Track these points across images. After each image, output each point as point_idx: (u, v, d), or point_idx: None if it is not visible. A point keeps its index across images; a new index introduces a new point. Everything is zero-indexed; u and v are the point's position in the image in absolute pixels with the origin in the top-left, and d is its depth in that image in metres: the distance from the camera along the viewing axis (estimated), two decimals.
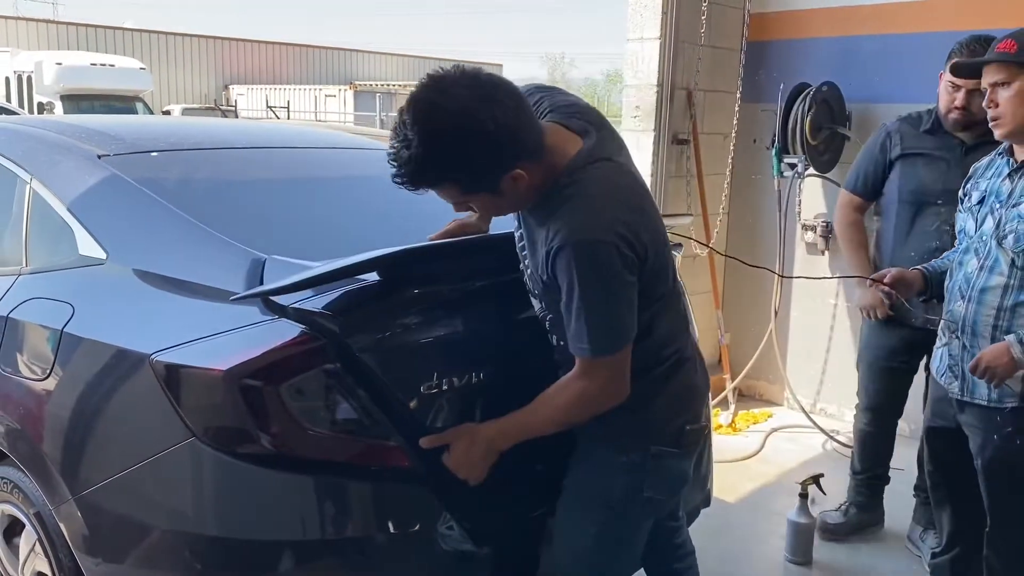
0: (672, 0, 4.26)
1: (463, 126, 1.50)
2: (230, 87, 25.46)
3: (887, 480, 3.27)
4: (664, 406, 1.77)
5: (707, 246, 4.18)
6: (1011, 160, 2.24)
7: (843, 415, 4.56)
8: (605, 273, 1.57)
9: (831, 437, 4.29)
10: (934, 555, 2.70)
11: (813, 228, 4.50)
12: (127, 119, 4.08)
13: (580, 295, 1.57)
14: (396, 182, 1.57)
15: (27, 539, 2.06)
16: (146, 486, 1.75)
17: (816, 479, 3.12)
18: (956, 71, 2.52)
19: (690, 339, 1.90)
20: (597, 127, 1.68)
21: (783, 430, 4.46)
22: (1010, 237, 2.15)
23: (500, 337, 1.96)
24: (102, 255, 2.02)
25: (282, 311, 1.73)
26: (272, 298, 1.73)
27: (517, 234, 1.78)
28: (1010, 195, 2.20)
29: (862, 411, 3.24)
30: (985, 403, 2.24)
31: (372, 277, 1.76)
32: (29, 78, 17.54)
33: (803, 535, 3.09)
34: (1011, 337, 2.11)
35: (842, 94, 4.24)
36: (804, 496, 3.09)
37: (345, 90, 22.12)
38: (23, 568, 2.10)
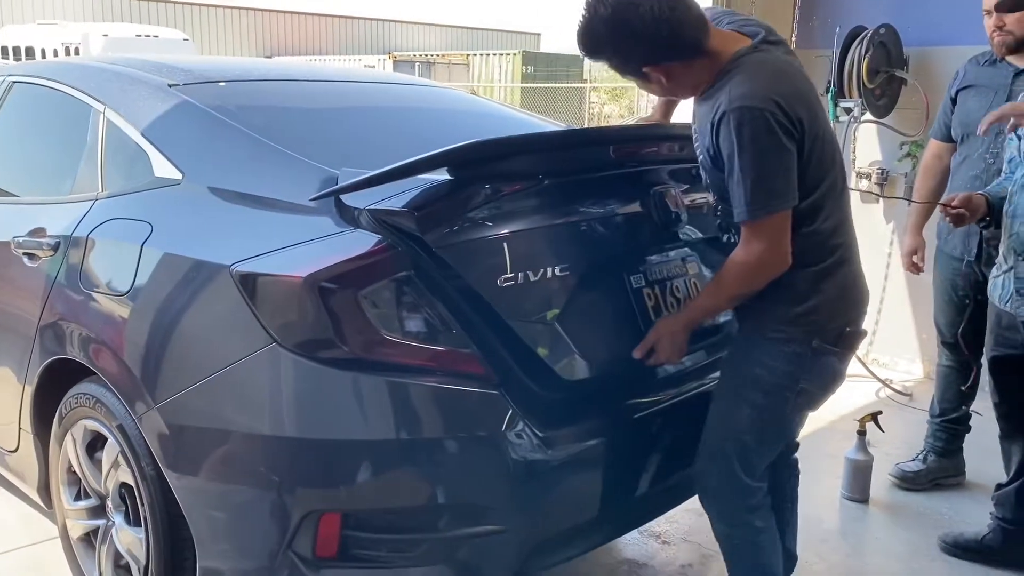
0: None
1: (619, 14, 1.75)
2: (272, 58, 25.63)
3: (968, 427, 3.22)
4: (828, 304, 1.88)
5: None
6: None
7: (896, 364, 4.53)
8: (761, 136, 1.72)
9: (885, 384, 4.26)
10: (998, 487, 2.68)
11: (868, 176, 4.44)
12: (193, 57, 4.16)
13: (739, 158, 1.74)
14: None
15: (109, 453, 2.13)
16: (228, 391, 1.80)
17: (875, 416, 3.10)
18: (995, 8, 2.64)
19: (854, 244, 1.98)
20: (767, 31, 1.88)
21: None
22: None
23: (577, 233, 2.01)
24: (178, 175, 2.08)
25: (358, 222, 1.77)
26: (349, 206, 1.76)
27: (693, 132, 1.95)
28: None
29: (940, 347, 3.21)
30: None
31: (443, 176, 1.79)
32: (76, 49, 17.82)
33: (861, 472, 3.08)
34: None
35: (899, 37, 4.16)
36: (862, 433, 3.08)
37: (384, 60, 22.14)
38: (106, 480, 2.17)
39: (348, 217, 1.78)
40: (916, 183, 3.32)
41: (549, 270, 1.89)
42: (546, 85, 20.35)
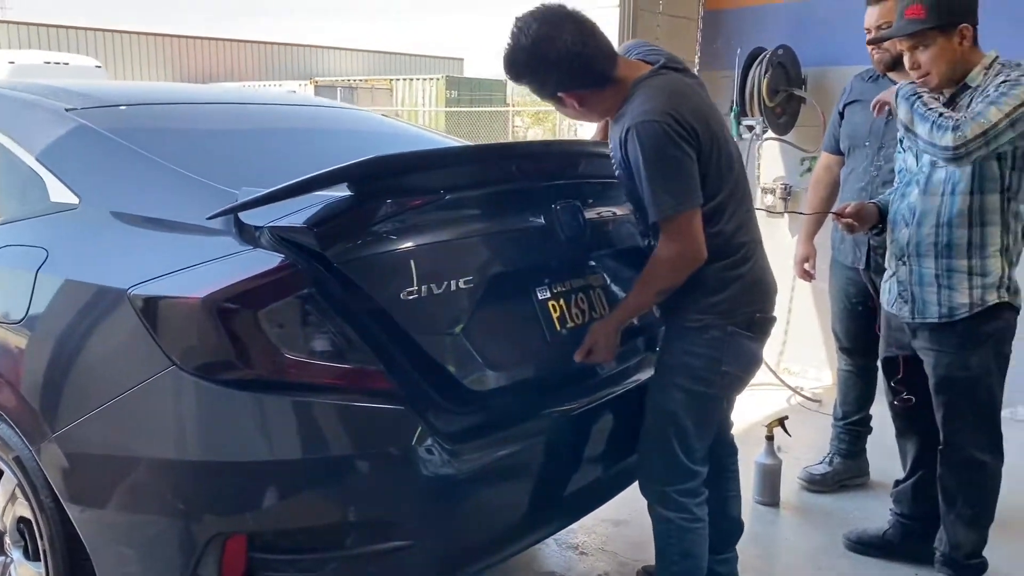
0: None
1: (538, 46, 1.98)
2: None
3: (869, 428, 3.36)
4: (738, 294, 2.09)
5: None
6: (941, 97, 2.37)
7: (806, 372, 4.69)
8: (661, 144, 1.94)
9: (796, 392, 4.41)
10: (897, 483, 2.80)
11: (772, 191, 4.61)
12: (91, 82, 4.08)
13: (645, 165, 1.95)
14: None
15: (6, 486, 2.07)
16: (128, 417, 1.77)
17: (781, 421, 3.22)
18: (873, 44, 2.80)
19: (759, 242, 2.19)
20: (669, 59, 2.11)
21: (750, 388, 4.55)
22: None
23: (481, 246, 2.05)
24: (75, 200, 2.04)
25: (257, 241, 1.77)
26: (249, 225, 1.76)
27: (612, 152, 2.13)
28: None
29: (838, 352, 3.35)
30: (936, 320, 2.36)
31: (344, 191, 1.81)
32: None
33: (770, 476, 3.18)
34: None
35: (797, 57, 4.35)
36: (770, 439, 3.18)
37: (306, 85, 21.96)
38: (3, 515, 2.10)
39: (248, 237, 1.78)
40: (808, 194, 3.48)
41: (453, 283, 1.92)
42: (470, 109, 20.47)
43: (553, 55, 1.98)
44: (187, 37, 26.62)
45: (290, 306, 1.74)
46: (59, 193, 2.08)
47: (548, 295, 2.18)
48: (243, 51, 27.62)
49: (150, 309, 1.75)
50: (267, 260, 1.75)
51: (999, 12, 3.77)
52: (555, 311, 2.18)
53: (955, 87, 2.33)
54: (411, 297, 1.84)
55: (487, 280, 2.01)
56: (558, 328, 2.17)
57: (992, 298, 2.29)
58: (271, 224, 1.75)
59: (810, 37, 4.37)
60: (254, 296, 1.71)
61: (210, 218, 1.78)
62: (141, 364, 1.75)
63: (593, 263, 2.38)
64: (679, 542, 2.17)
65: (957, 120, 2.15)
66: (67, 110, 2.27)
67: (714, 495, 2.33)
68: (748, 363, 2.18)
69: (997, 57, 2.32)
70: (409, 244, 1.88)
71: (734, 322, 2.09)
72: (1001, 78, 2.22)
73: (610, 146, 2.12)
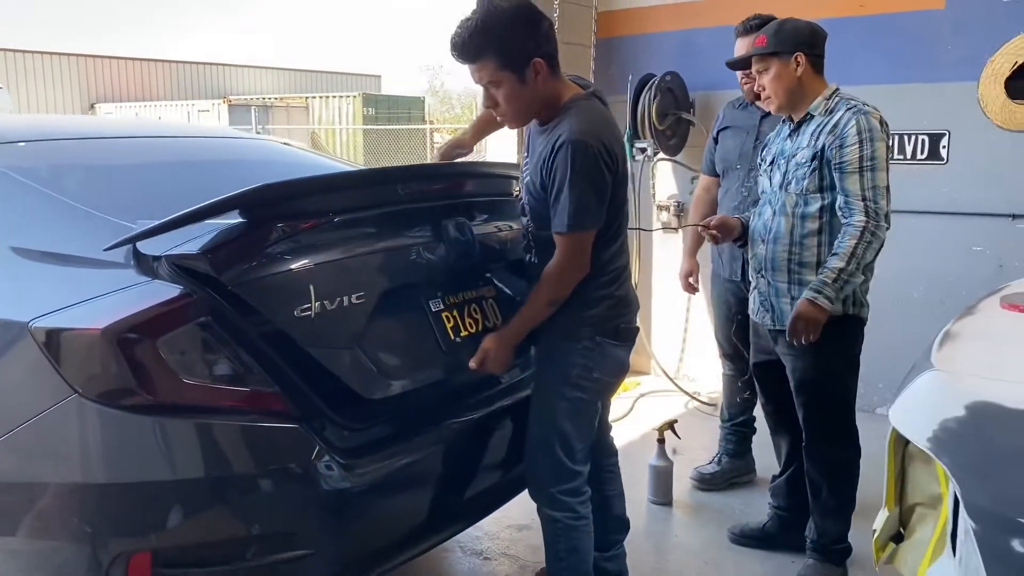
0: None
1: (522, 10, 2.11)
2: (96, 106, 24.51)
3: (753, 429, 3.61)
4: (607, 307, 2.28)
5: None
6: (790, 123, 2.66)
7: (703, 380, 4.94)
8: (590, 167, 2.11)
9: (693, 397, 4.66)
10: (773, 478, 3.04)
11: (667, 208, 4.87)
12: None
13: (569, 181, 2.10)
14: (452, 54, 2.13)
15: None
16: (32, 443, 1.84)
17: (671, 424, 3.44)
18: (731, 67, 3.02)
19: (629, 263, 2.41)
20: (594, 87, 2.31)
21: (650, 395, 4.80)
22: (792, 183, 2.57)
23: (369, 264, 2.18)
24: None
25: (155, 272, 1.88)
26: (146, 257, 1.87)
27: (524, 162, 2.32)
28: (792, 151, 2.62)
29: (721, 358, 3.59)
30: None
31: (236, 219, 1.93)
32: None
33: (662, 477, 3.39)
34: (808, 294, 2.48)
35: (684, 83, 4.62)
36: (661, 441, 3.40)
37: (219, 104, 21.66)
38: None
39: (145, 268, 1.88)
40: (690, 213, 3.72)
41: (346, 299, 2.05)
42: (389, 127, 20.48)
43: (536, 17, 2.13)
44: (95, 56, 25.93)
45: (187, 334, 1.85)
46: None
47: (441, 307, 2.34)
48: (154, 70, 27.04)
49: (52, 340, 1.83)
50: (164, 291, 1.85)
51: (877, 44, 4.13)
52: (449, 321, 2.34)
53: (801, 115, 2.59)
54: (305, 314, 1.96)
55: (380, 295, 2.15)
56: (452, 337, 2.33)
57: (838, 310, 2.54)
58: (167, 253, 1.85)
59: (696, 63, 4.64)
60: (152, 325, 1.82)
61: (107, 249, 1.87)
62: (44, 393, 1.83)
63: (485, 276, 2.55)
64: (566, 539, 2.33)
65: (860, 221, 2.45)
66: None
67: (597, 495, 2.51)
68: (617, 369, 2.37)
69: (837, 89, 2.59)
70: (301, 264, 2.00)
71: (602, 332, 2.28)
72: (851, 130, 2.47)
73: (525, 157, 2.30)
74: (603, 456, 2.63)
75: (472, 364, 2.23)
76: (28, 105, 23.35)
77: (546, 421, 2.31)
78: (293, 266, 2.00)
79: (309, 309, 1.97)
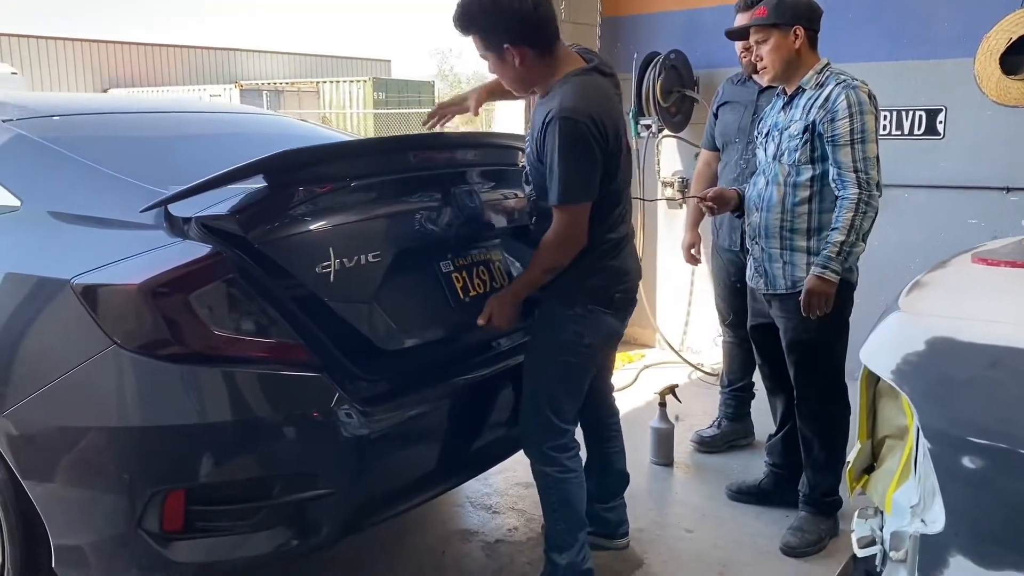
0: None
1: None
2: (109, 91, 24.71)
3: (752, 394, 3.74)
4: (603, 278, 2.38)
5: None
6: (783, 96, 2.79)
7: (706, 351, 5.07)
8: (577, 142, 2.18)
9: (696, 368, 4.80)
10: (770, 437, 3.18)
11: (671, 184, 4.99)
12: (24, 94, 4.24)
13: (557, 155, 2.19)
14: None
15: None
16: (74, 391, 2.00)
17: (672, 389, 3.58)
18: (729, 36, 3.07)
19: (631, 233, 2.50)
20: (601, 62, 2.37)
21: (654, 366, 4.94)
22: (785, 154, 2.70)
23: (383, 227, 2.33)
24: (16, 202, 2.26)
25: (186, 233, 2.03)
26: (178, 220, 2.02)
27: (528, 132, 2.41)
28: (785, 123, 2.74)
29: (722, 326, 3.73)
30: (784, 292, 2.74)
31: (260, 183, 2.08)
32: None
33: (663, 439, 3.54)
34: (815, 270, 2.61)
35: (689, 61, 4.73)
36: (663, 405, 3.54)
37: (230, 89, 21.82)
38: None
39: (177, 230, 2.04)
40: (691, 187, 3.85)
41: (363, 257, 2.20)
42: (399, 111, 20.61)
43: (515, 4, 2.19)
44: (108, 42, 26.11)
45: (217, 289, 2.00)
46: (1, 196, 2.30)
47: (451, 268, 2.50)
48: (166, 55, 27.22)
49: (92, 296, 1.99)
50: (196, 249, 2.01)
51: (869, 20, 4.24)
52: (458, 282, 2.50)
53: (794, 88, 2.72)
54: (326, 271, 2.11)
55: (394, 255, 2.30)
56: (461, 297, 2.48)
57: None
58: (198, 215, 2.00)
59: (700, 42, 4.75)
60: (185, 281, 1.97)
61: (144, 211, 2.03)
62: (84, 344, 1.99)
63: (492, 240, 2.70)
64: (556, 492, 2.47)
65: (854, 192, 2.57)
66: (4, 121, 2.48)
67: (598, 451, 2.69)
68: (607, 336, 2.47)
69: (828, 64, 2.71)
70: (321, 225, 2.16)
71: (597, 301, 2.37)
72: (841, 104, 2.59)
73: (530, 127, 2.39)
74: (605, 415, 2.79)
75: (480, 320, 2.37)
76: (42, 90, 23.53)
77: (537, 382, 2.44)
78: (314, 227, 2.15)
79: (329, 266, 2.11)
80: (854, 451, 1.71)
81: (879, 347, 1.52)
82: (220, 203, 2.05)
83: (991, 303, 1.56)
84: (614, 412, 2.83)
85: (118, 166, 2.29)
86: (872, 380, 1.65)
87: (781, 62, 2.70)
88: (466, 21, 2.26)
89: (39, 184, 2.31)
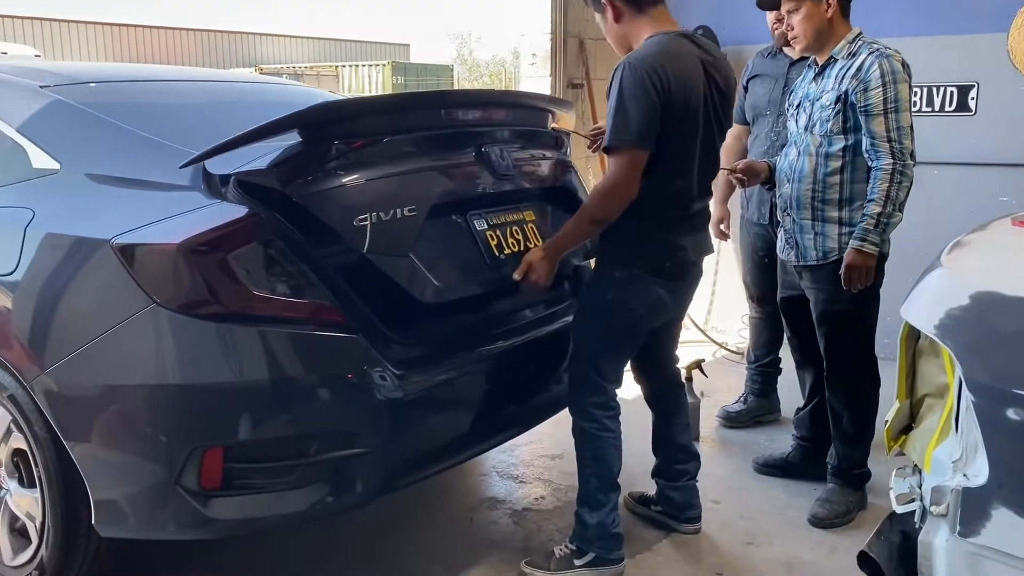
0: None
1: None
2: None
3: (779, 370, 3.74)
4: (652, 246, 2.39)
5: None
6: (815, 66, 2.78)
7: (731, 329, 5.06)
8: (635, 85, 2.23)
9: (721, 346, 4.79)
10: (798, 410, 3.18)
11: None
12: (58, 62, 4.29)
13: (616, 97, 2.25)
14: None
15: (1, 423, 2.31)
16: (115, 349, 2.03)
17: (698, 364, 3.58)
18: (760, 6, 3.05)
19: (695, 212, 2.47)
20: (703, 31, 2.46)
21: (680, 344, 4.92)
22: (817, 125, 2.68)
23: (419, 183, 2.33)
24: (56, 165, 2.29)
25: (223, 195, 2.05)
26: (216, 180, 2.04)
27: None
28: (816, 94, 2.72)
29: (749, 302, 3.72)
30: (815, 263, 2.73)
31: (295, 139, 2.10)
32: None
33: (690, 412, 3.53)
34: (854, 243, 2.60)
35: (716, 37, 4.69)
36: (689, 379, 3.53)
37: (251, 73, 21.88)
38: None
39: (215, 191, 2.06)
40: (721, 161, 3.81)
41: (399, 211, 2.21)
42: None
43: None
44: (128, 25, 26.20)
45: (255, 250, 2.02)
46: (41, 160, 2.33)
47: (485, 226, 2.50)
48: (186, 39, 27.29)
49: (131, 255, 2.01)
50: (234, 210, 2.02)
51: None
52: (493, 240, 2.50)
53: (825, 58, 2.70)
54: (363, 223, 2.13)
55: (429, 211, 2.30)
56: (496, 254, 2.48)
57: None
58: (238, 170, 2.02)
59: (727, 18, 4.71)
60: (224, 241, 1.99)
61: (183, 166, 2.06)
62: (124, 303, 2.02)
63: (525, 201, 2.70)
64: (591, 447, 2.50)
65: (888, 163, 2.56)
66: (41, 87, 2.51)
67: (662, 425, 2.74)
68: (653, 304, 2.45)
69: (860, 33, 2.69)
70: (356, 179, 2.18)
71: (643, 267, 2.40)
72: (874, 73, 2.57)
73: None
74: (667, 390, 2.81)
75: (516, 275, 2.38)
76: None
77: (581, 339, 2.50)
78: (349, 181, 2.17)
79: (366, 219, 2.13)
80: (892, 410, 1.71)
81: (921, 302, 1.52)
82: (256, 160, 2.07)
83: None
84: (677, 384, 2.84)
85: (154, 129, 2.31)
86: (912, 338, 1.65)
87: (813, 31, 2.68)
88: None
89: (77, 147, 2.33)
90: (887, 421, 1.69)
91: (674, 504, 2.78)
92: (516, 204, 2.65)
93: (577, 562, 2.50)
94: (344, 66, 22.86)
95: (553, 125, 2.92)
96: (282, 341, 2.04)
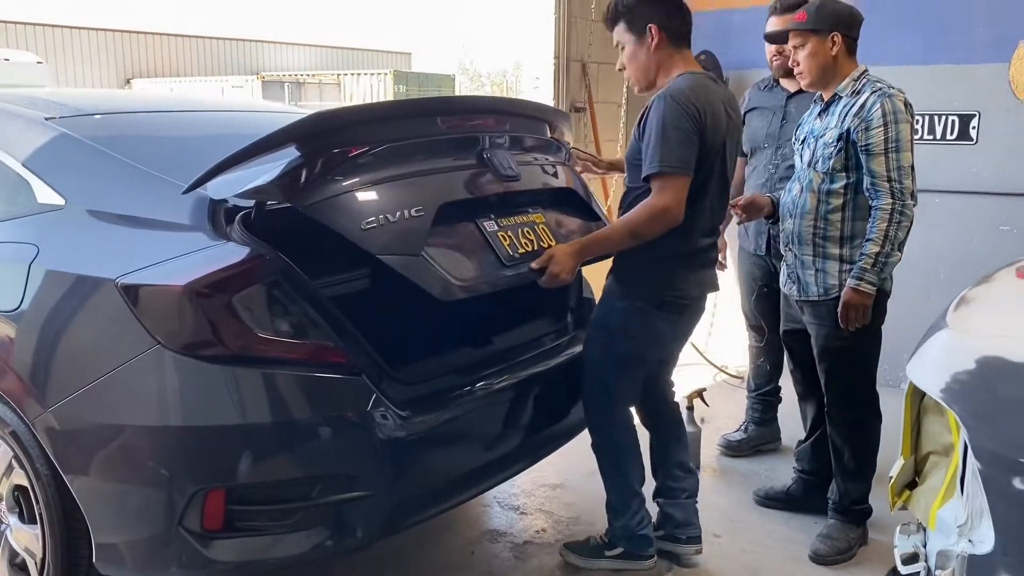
0: None
1: None
2: (132, 81, 24.87)
3: (779, 398, 3.74)
4: (657, 279, 2.50)
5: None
6: (820, 102, 2.79)
7: (731, 353, 5.06)
8: (678, 116, 2.34)
9: (721, 370, 4.79)
10: (799, 443, 3.18)
11: None
12: (64, 91, 4.27)
13: (657, 126, 2.35)
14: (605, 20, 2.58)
15: (2, 459, 2.30)
16: (118, 389, 2.03)
17: (700, 393, 3.58)
18: (768, 39, 3.04)
19: (701, 250, 2.56)
20: (715, 73, 2.47)
21: (680, 367, 4.91)
22: (819, 161, 2.69)
23: (428, 187, 2.32)
24: (61, 201, 2.29)
25: (229, 235, 2.05)
26: (219, 221, 2.04)
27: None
28: (820, 130, 2.73)
29: (748, 330, 3.72)
30: (816, 299, 2.74)
31: (296, 154, 2.10)
32: None
33: (691, 442, 3.52)
34: (851, 282, 2.61)
35: (719, 62, 4.71)
36: (690, 408, 3.54)
37: (252, 80, 21.91)
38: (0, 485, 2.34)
39: (220, 231, 2.06)
40: None
41: (406, 212, 2.19)
42: None
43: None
44: (131, 32, 26.23)
45: (259, 291, 2.02)
46: (46, 195, 2.33)
47: (496, 228, 2.48)
48: (189, 46, 27.31)
49: (136, 296, 2.01)
50: (238, 252, 2.03)
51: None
52: (505, 240, 2.48)
53: (830, 95, 2.70)
54: (370, 227, 2.12)
55: (438, 214, 2.27)
56: (511, 253, 2.45)
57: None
58: (239, 201, 2.03)
59: (730, 43, 4.73)
60: (229, 283, 1.99)
61: (185, 192, 2.07)
62: (128, 344, 2.02)
63: (533, 204, 2.68)
64: (609, 460, 2.67)
65: (888, 202, 2.56)
66: (47, 119, 2.51)
67: (658, 445, 2.82)
68: (654, 336, 2.57)
69: (866, 71, 2.70)
70: (361, 188, 2.17)
71: (646, 299, 2.50)
72: (876, 112, 2.57)
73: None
74: (662, 408, 2.88)
75: (534, 264, 2.39)
76: (66, 79, 23.72)
77: (589, 361, 2.62)
78: (353, 190, 2.16)
79: (373, 222, 2.12)
80: (896, 466, 1.71)
81: (928, 364, 1.52)
82: (260, 178, 2.07)
83: None
84: (671, 405, 2.91)
85: (159, 164, 2.31)
86: (917, 396, 1.65)
87: (817, 68, 2.69)
88: (621, 5, 2.49)
89: (83, 183, 2.33)
90: (891, 477, 1.69)
91: (675, 523, 2.81)
92: (525, 207, 2.64)
93: (608, 553, 2.71)
94: (346, 74, 22.89)
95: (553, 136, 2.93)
96: (285, 383, 2.04)
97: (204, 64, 27.00)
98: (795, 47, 2.72)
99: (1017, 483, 1.31)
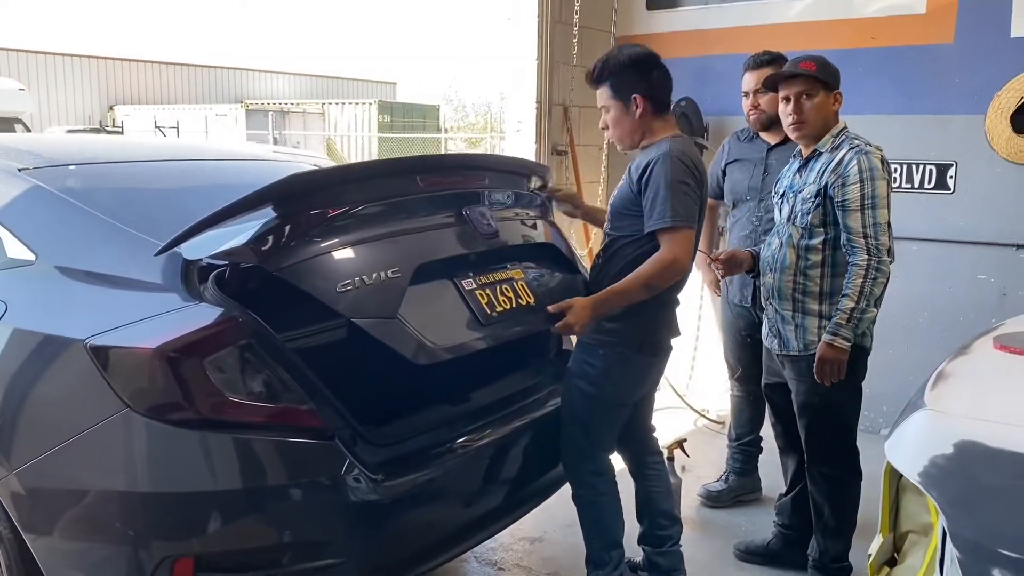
0: (547, 24, 4.70)
1: (643, 57, 2.57)
2: (115, 107, 24.82)
3: (760, 449, 3.72)
4: (635, 324, 2.54)
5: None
6: (799, 158, 2.80)
7: (711, 398, 5.05)
8: (685, 175, 2.46)
9: (702, 415, 4.77)
10: (780, 497, 3.15)
11: None
12: (38, 138, 4.23)
13: (665, 184, 2.43)
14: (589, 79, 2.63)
15: None
16: (84, 454, 1.98)
17: (680, 444, 3.55)
18: (767, 84, 2.99)
19: (672, 302, 2.65)
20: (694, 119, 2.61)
21: (660, 411, 4.89)
22: (798, 217, 2.70)
23: (402, 248, 2.30)
24: (31, 256, 2.25)
25: (202, 296, 2.02)
26: (192, 280, 2.01)
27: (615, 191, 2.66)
28: (799, 186, 2.74)
29: (731, 380, 3.71)
30: (796, 354, 2.74)
31: (271, 215, 2.07)
32: None
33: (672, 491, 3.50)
34: (826, 337, 2.61)
35: (699, 108, 4.75)
36: (671, 459, 3.49)
37: (236, 109, 21.91)
38: None
39: (193, 292, 2.02)
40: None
41: (383, 273, 2.17)
42: (404, 135, 20.66)
43: (652, 65, 2.57)
44: (114, 59, 26.23)
45: (231, 354, 1.99)
46: (16, 249, 2.29)
47: (474, 286, 2.46)
48: (173, 73, 27.34)
49: (105, 357, 1.97)
50: (210, 313, 1.99)
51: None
52: (483, 299, 2.46)
53: (810, 151, 2.72)
54: (346, 290, 2.09)
55: (414, 274, 2.25)
56: (489, 312, 2.44)
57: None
58: (213, 253, 2.00)
59: (710, 90, 4.77)
60: (200, 346, 1.96)
61: (157, 254, 2.03)
62: (96, 406, 1.97)
63: (512, 260, 2.66)
64: (590, 511, 2.67)
65: (864, 259, 2.57)
66: (20, 170, 2.47)
67: (641, 491, 2.80)
68: (636, 378, 2.64)
69: (845, 127, 2.72)
70: (336, 246, 2.15)
71: (624, 345, 2.54)
72: (852, 169, 2.59)
73: (629, 169, 2.60)
74: (646, 455, 2.88)
75: (551, 308, 2.41)
76: (48, 106, 23.64)
77: (571, 410, 2.62)
78: (329, 248, 2.14)
79: (350, 285, 2.10)
80: (875, 543, 1.69)
81: (905, 445, 1.51)
82: (232, 240, 2.04)
83: (1019, 400, 1.55)
84: (655, 451, 2.90)
85: (133, 220, 2.27)
86: (895, 474, 1.63)
87: (821, 121, 2.69)
88: (606, 71, 2.55)
89: (54, 238, 2.30)
90: (870, 555, 1.67)
91: (660, 570, 2.81)
92: (503, 264, 2.62)
93: None
94: (331, 103, 22.93)
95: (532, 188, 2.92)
96: (257, 448, 2.00)
97: (188, 91, 27.03)
98: (801, 95, 2.67)
99: (996, 574, 1.29)
